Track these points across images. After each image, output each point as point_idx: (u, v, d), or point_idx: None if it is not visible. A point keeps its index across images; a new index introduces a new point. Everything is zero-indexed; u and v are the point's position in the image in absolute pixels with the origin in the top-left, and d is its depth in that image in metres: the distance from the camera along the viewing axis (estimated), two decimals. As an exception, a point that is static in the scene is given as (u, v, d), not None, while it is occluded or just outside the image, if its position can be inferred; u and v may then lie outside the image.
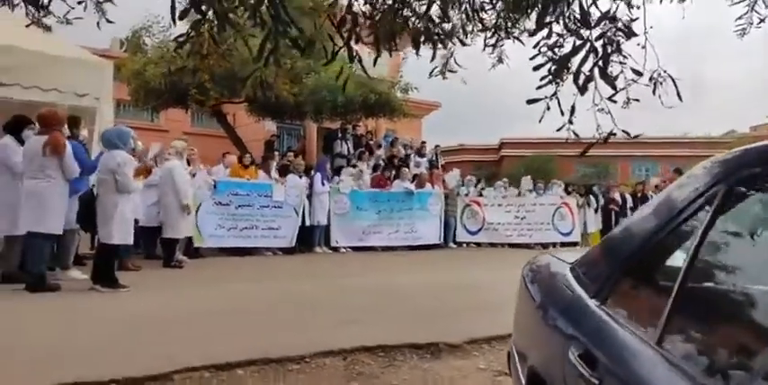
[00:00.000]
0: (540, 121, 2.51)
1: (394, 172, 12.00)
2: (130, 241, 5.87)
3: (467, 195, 12.56)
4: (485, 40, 3.26)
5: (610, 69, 2.32)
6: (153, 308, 4.87)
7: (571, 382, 1.50)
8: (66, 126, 5.67)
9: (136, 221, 6.76)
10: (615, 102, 2.43)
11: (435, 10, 2.76)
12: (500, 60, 3.35)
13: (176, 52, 2.44)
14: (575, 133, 2.55)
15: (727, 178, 1.30)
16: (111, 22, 2.88)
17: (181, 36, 2.22)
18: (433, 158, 14.58)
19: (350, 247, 10.52)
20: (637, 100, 2.54)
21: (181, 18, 2.08)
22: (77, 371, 3.05)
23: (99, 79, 7.82)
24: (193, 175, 8.29)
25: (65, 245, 5.98)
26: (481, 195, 12.80)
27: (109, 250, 5.58)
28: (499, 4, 2.96)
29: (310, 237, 10.10)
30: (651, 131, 26.03)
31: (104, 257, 5.59)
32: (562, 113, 2.44)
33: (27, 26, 3.22)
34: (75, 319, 4.41)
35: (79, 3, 2.61)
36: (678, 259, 1.36)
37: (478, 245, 12.39)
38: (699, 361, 1.13)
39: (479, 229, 12.35)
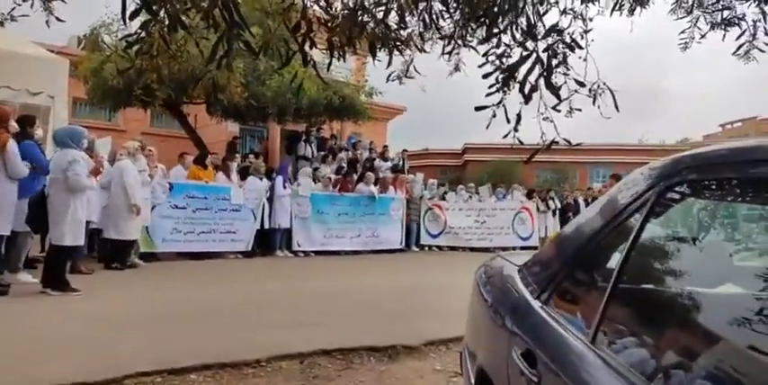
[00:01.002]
0: (486, 128, 2.59)
1: (356, 176, 12.01)
2: (81, 242, 5.71)
3: (430, 199, 12.71)
4: (443, 48, 3.32)
5: (554, 80, 2.41)
6: (105, 312, 4.76)
7: (514, 380, 1.55)
8: (12, 124, 5.44)
9: (89, 223, 6.59)
10: (559, 111, 2.52)
11: (393, 16, 2.81)
12: (457, 68, 3.42)
13: (125, 52, 2.40)
14: (519, 141, 2.63)
15: (659, 184, 1.36)
16: (61, 20, 2.81)
17: (130, 35, 2.19)
18: (399, 163, 14.66)
19: (312, 251, 10.46)
20: (579, 110, 2.65)
21: (131, 18, 2.06)
22: (26, 375, 2.96)
23: (54, 77, 7.61)
24: (152, 177, 8.13)
25: (16, 247, 5.77)
26: (444, 199, 12.98)
27: (60, 252, 5.42)
28: (456, 13, 3.02)
29: (271, 241, 10.01)
30: (610, 138, 26.89)
31: (56, 260, 5.43)
32: (508, 121, 2.53)
33: (-30, 21, 3.12)
34: (23, 323, 4.27)
35: (24, 0, 2.54)
36: (613, 261, 1.43)
37: (440, 248, 12.55)
38: (629, 358, 1.19)
39: (440, 233, 12.51)
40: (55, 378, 2.96)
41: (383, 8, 2.67)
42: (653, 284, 1.38)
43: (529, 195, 13.75)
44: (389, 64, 2.89)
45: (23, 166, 5.23)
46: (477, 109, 2.52)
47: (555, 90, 2.38)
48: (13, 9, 2.66)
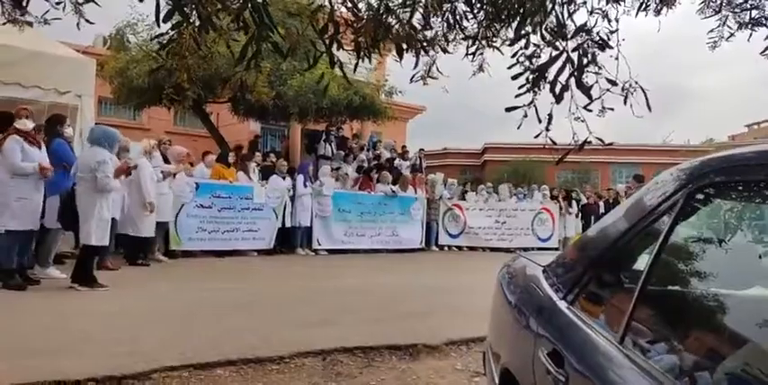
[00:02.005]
0: (518, 128, 2.60)
1: (376, 175, 12.05)
2: (107, 242, 5.79)
3: (449, 199, 12.69)
4: (467, 49, 3.33)
5: (585, 79, 2.40)
6: (131, 307, 4.85)
7: (540, 379, 1.56)
8: (21, 122, 5.51)
9: (115, 220, 6.73)
10: (591, 111, 2.51)
11: (418, 18, 2.83)
12: (481, 68, 3.42)
13: (158, 53, 2.45)
14: (552, 140, 2.63)
15: (689, 185, 1.36)
16: (90, 23, 2.87)
17: (161, 35, 2.24)
18: (417, 162, 14.67)
19: (332, 249, 10.53)
20: (611, 109, 2.63)
21: (165, 21, 2.11)
22: (56, 368, 3.04)
23: (81, 76, 7.78)
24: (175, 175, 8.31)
25: (46, 243, 5.91)
26: (463, 199, 12.94)
27: (87, 250, 5.54)
28: (480, 13, 3.03)
29: (292, 239, 10.10)
30: (633, 139, 26.56)
31: (84, 256, 5.55)
32: (539, 121, 2.52)
33: (3, 24, 3.20)
34: (52, 318, 4.37)
35: (58, 3, 2.60)
36: (641, 262, 1.43)
37: (459, 248, 12.53)
38: (658, 359, 1.19)
39: (460, 233, 12.49)
40: (84, 371, 3.03)
41: (408, 10, 2.70)
42: (682, 286, 1.38)
43: (551, 195, 13.61)
44: (416, 65, 2.91)
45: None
46: (508, 109, 2.53)
47: (586, 89, 2.37)
48: (46, 12, 2.74)
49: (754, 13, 3.22)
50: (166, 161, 8.08)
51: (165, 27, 2.42)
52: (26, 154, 5.34)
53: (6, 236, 5.31)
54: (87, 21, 2.97)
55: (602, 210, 13.28)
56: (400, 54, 2.71)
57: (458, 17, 2.97)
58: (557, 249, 12.29)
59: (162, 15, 2.07)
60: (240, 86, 2.52)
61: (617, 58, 2.54)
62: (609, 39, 2.58)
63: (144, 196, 7.27)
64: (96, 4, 2.44)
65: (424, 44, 2.93)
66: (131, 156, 7.08)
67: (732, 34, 3.23)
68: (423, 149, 15.89)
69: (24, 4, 2.57)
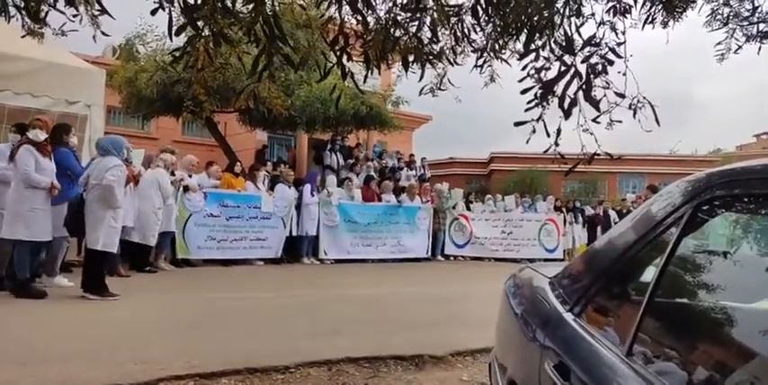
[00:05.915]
0: (527, 142, 2.62)
1: (379, 185, 12.06)
2: (114, 249, 5.82)
3: (454, 208, 12.66)
4: (476, 61, 3.35)
5: (593, 93, 2.41)
6: (139, 316, 4.87)
7: (546, 392, 1.56)
8: (33, 131, 5.56)
9: (125, 227, 6.78)
10: (599, 123, 2.53)
11: (426, 30, 2.86)
12: (492, 79, 3.45)
13: (171, 66, 2.50)
14: (560, 155, 2.64)
15: (694, 199, 1.37)
16: (106, 35, 2.92)
17: (177, 50, 2.28)
18: (422, 171, 14.69)
19: (338, 259, 10.52)
20: (619, 121, 2.65)
21: (177, 34, 2.15)
22: (64, 376, 3.06)
23: (91, 86, 7.87)
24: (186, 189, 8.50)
25: (52, 251, 5.94)
26: (468, 209, 12.90)
27: (96, 256, 5.56)
28: (488, 26, 3.06)
29: (298, 248, 10.11)
30: (640, 148, 26.46)
31: (92, 264, 5.58)
32: (548, 135, 2.54)
33: (23, 37, 3.26)
34: (62, 326, 4.40)
35: (75, 16, 2.66)
36: (649, 274, 1.43)
37: (464, 258, 12.49)
38: (665, 372, 1.19)
39: (466, 243, 12.46)
40: (91, 379, 3.05)
41: (416, 23, 2.73)
42: (689, 299, 1.38)
43: (556, 206, 13.56)
44: (421, 78, 2.94)
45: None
46: (517, 124, 2.55)
47: (595, 103, 2.39)
48: (63, 24, 2.80)
49: (761, 26, 3.24)
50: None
51: (176, 40, 2.46)
52: (39, 165, 5.39)
53: (19, 246, 5.35)
54: (103, 33, 3.03)
55: (615, 219, 13.15)
56: (406, 67, 2.74)
57: (465, 30, 3.00)
58: (562, 260, 12.24)
59: (174, 29, 2.11)
60: (254, 98, 2.56)
61: (624, 74, 2.56)
62: (615, 51, 2.60)
63: (156, 204, 7.39)
64: (110, 16, 2.49)
65: (431, 57, 2.95)
66: (136, 164, 7.15)
67: (740, 47, 3.25)
68: (425, 158, 15.91)
69: (42, 16, 2.62)
